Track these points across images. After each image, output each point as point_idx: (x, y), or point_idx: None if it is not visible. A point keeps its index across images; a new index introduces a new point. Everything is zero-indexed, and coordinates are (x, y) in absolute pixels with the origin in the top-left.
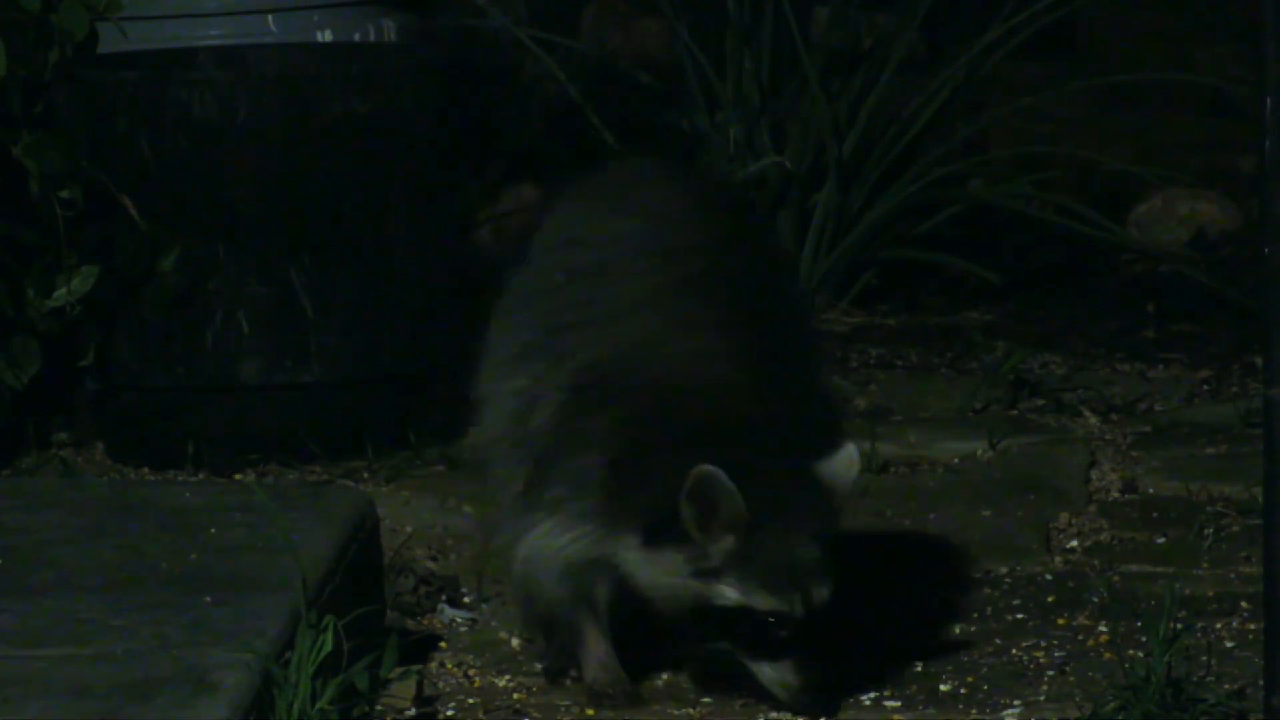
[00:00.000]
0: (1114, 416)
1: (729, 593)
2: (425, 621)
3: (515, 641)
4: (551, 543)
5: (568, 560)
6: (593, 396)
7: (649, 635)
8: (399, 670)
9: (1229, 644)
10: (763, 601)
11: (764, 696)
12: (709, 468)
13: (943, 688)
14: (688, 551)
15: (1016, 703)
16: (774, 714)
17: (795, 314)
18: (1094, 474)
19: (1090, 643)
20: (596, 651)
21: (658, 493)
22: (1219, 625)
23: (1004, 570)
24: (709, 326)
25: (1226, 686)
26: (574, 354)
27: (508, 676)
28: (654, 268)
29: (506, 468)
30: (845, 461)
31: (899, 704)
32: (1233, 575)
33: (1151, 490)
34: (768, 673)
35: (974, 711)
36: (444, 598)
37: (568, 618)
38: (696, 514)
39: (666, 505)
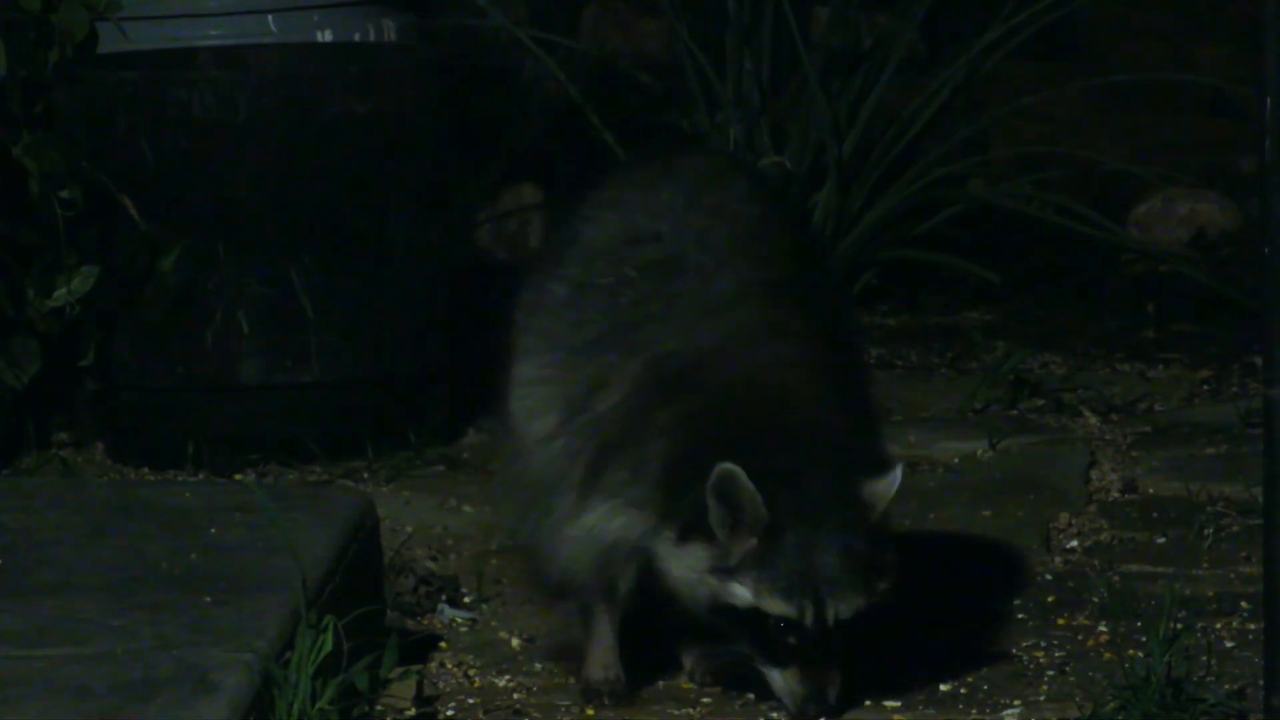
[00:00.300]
0: (1114, 416)
1: (740, 592)
2: (425, 621)
3: (515, 641)
4: (602, 526)
5: (612, 543)
6: (661, 389)
7: (652, 636)
8: (399, 670)
9: (1229, 644)
10: (771, 605)
11: (769, 696)
12: (730, 465)
13: (943, 688)
14: (712, 549)
15: (1016, 703)
16: (774, 714)
17: (849, 327)
18: (1094, 474)
19: (1090, 643)
20: (600, 649)
21: (697, 489)
22: (1219, 625)
23: (1004, 570)
24: (779, 332)
25: (1226, 686)
26: (647, 346)
27: (508, 676)
28: (728, 268)
29: (554, 444)
30: (887, 482)
31: (899, 704)
32: (1233, 575)
33: (1151, 490)
34: (775, 679)
35: (974, 711)
36: (444, 598)
37: (586, 601)
38: (723, 513)
39: (701, 502)
